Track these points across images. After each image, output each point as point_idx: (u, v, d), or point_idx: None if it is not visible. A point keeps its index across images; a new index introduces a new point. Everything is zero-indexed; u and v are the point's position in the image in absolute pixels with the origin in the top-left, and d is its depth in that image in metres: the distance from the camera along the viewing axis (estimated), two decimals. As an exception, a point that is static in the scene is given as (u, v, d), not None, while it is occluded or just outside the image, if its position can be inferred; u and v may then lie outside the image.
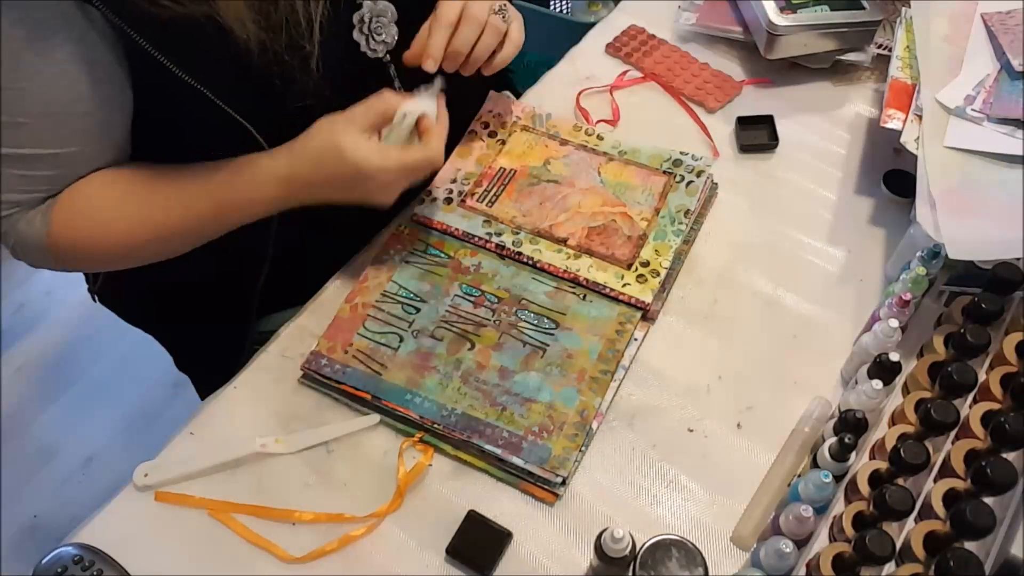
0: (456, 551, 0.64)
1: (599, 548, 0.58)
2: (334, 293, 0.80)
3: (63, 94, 0.63)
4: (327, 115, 0.69)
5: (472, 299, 0.76)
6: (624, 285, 0.75)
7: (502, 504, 0.67)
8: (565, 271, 0.77)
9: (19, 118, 0.63)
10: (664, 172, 0.83)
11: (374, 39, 0.75)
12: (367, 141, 0.68)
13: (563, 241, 0.79)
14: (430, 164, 0.71)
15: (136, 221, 0.71)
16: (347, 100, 0.72)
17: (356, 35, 0.74)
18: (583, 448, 0.69)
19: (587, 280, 0.76)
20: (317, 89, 0.70)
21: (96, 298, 0.96)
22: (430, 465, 0.69)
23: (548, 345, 0.73)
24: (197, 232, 0.72)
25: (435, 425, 0.69)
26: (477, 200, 0.82)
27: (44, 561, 0.63)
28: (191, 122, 0.70)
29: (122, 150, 0.71)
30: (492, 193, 0.83)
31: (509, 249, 0.78)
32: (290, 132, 0.71)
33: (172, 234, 0.72)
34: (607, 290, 0.75)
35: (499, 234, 0.79)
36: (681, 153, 0.85)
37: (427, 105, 0.71)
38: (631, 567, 0.57)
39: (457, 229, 0.80)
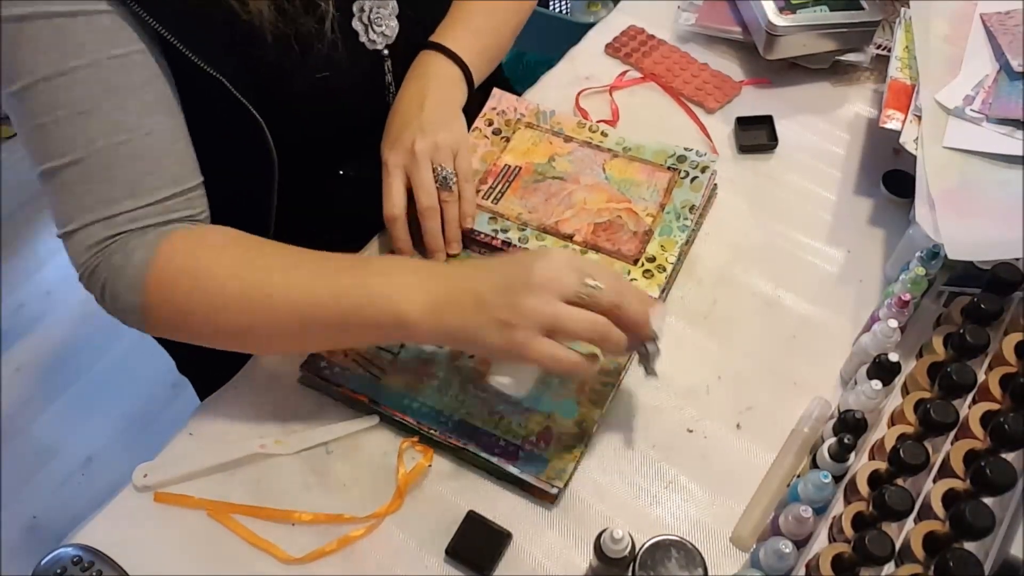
0: (455, 552, 0.64)
1: (598, 548, 0.58)
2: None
3: (118, 65, 0.59)
4: None
5: None
6: (631, 280, 0.75)
7: (502, 505, 0.67)
8: None
9: (81, 106, 0.58)
10: (669, 168, 0.83)
11: (372, 30, 0.75)
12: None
13: (569, 237, 0.79)
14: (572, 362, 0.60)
15: (246, 277, 0.62)
16: (346, 91, 0.72)
17: (355, 23, 0.73)
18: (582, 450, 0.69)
19: None
20: (331, 56, 0.69)
21: None
22: (430, 466, 0.69)
23: None
24: (303, 319, 0.62)
25: (432, 431, 0.69)
26: (483, 197, 0.82)
27: (43, 562, 0.63)
28: (198, 114, 0.68)
29: (193, 155, 0.65)
30: (497, 190, 0.83)
31: (516, 246, 0.78)
32: (292, 125, 0.71)
33: (273, 313, 0.62)
34: None
35: (505, 231, 0.79)
36: (685, 149, 0.85)
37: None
38: (631, 568, 0.57)
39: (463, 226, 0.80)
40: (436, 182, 0.73)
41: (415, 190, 0.74)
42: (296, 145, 0.74)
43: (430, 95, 0.76)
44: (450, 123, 0.76)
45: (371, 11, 0.74)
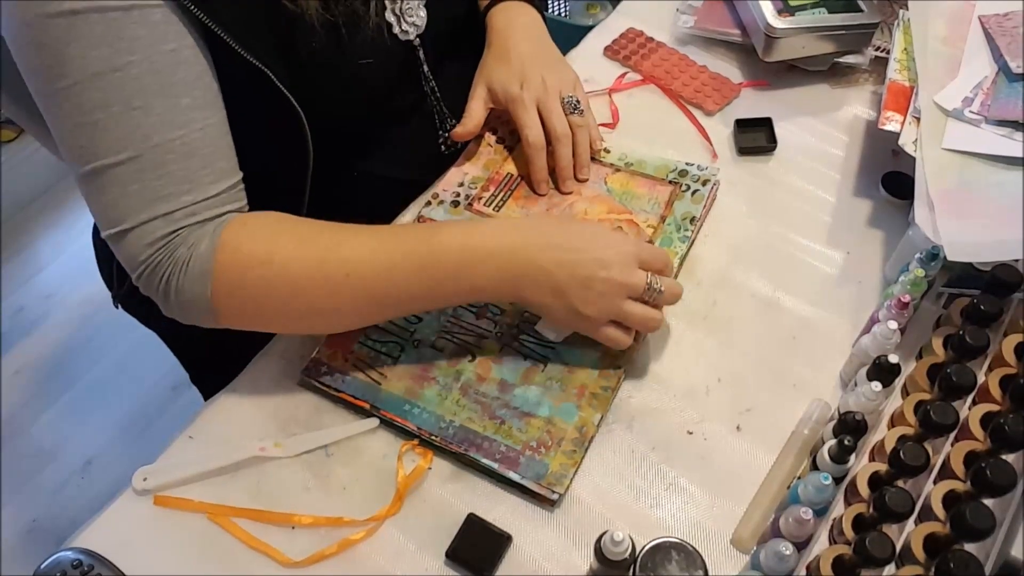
0: (456, 554, 0.64)
1: (599, 551, 0.58)
2: (333, 296, 0.80)
3: (170, 60, 0.59)
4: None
5: (475, 310, 0.76)
6: None
7: (502, 507, 0.67)
8: None
9: (135, 101, 0.58)
10: (670, 182, 0.84)
11: (404, 21, 0.76)
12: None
13: None
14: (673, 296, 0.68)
15: (314, 254, 0.62)
16: (381, 84, 0.74)
17: (389, 15, 0.74)
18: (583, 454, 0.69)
19: None
20: (374, 42, 0.70)
21: (118, 305, 0.95)
22: (429, 468, 0.69)
23: (549, 359, 0.73)
24: (380, 295, 0.64)
25: (432, 437, 0.69)
26: (484, 204, 0.82)
27: (43, 566, 0.63)
28: (238, 104, 0.68)
29: (230, 136, 0.65)
30: (499, 198, 0.83)
31: None
32: (334, 110, 0.71)
33: (355, 286, 0.63)
34: None
35: None
36: (687, 164, 0.85)
37: None
38: (631, 570, 0.57)
39: None
40: (565, 111, 0.80)
41: (548, 119, 0.79)
42: (327, 139, 0.74)
43: (537, 39, 0.84)
44: (562, 61, 0.85)
45: (402, 2, 0.75)
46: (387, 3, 0.74)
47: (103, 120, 0.58)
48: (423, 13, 0.78)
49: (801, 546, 0.60)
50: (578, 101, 0.81)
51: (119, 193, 0.60)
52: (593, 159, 0.86)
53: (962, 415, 0.61)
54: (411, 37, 0.78)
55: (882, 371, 0.64)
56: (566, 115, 0.81)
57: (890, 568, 0.56)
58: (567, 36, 1.09)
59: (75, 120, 0.58)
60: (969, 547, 0.53)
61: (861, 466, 0.62)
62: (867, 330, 0.72)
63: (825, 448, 0.62)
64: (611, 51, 1.01)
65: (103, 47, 0.56)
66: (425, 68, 0.81)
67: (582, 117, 0.81)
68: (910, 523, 0.58)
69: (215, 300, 0.62)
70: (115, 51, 0.56)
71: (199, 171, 0.62)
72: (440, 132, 0.87)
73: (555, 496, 0.66)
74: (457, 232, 0.65)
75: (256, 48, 0.64)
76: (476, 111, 0.82)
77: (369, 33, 0.71)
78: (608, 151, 0.87)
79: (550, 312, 0.67)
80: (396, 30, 0.76)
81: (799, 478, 0.65)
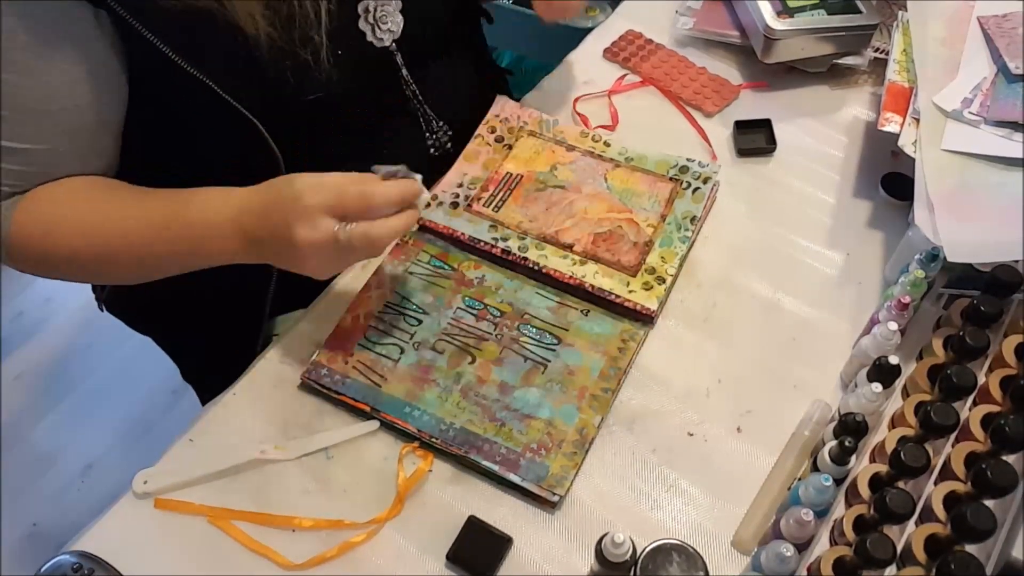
0: (456, 557, 0.64)
1: (600, 553, 0.58)
2: (334, 299, 0.80)
3: (45, 90, 0.63)
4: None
5: (475, 312, 0.76)
6: (630, 292, 0.75)
7: (502, 509, 0.67)
8: (571, 277, 0.77)
9: (2, 111, 0.62)
10: (671, 179, 0.84)
11: (379, 28, 0.76)
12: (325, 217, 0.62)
13: (569, 247, 0.79)
14: (368, 244, 0.64)
15: (82, 237, 0.68)
16: (356, 91, 0.73)
17: (362, 24, 0.74)
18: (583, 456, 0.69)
19: (592, 286, 0.76)
20: (328, 80, 0.71)
21: (103, 307, 0.96)
22: (430, 471, 0.69)
23: (549, 361, 0.73)
24: (142, 262, 0.69)
25: (433, 439, 0.69)
26: (483, 205, 0.82)
27: (43, 569, 0.62)
28: (201, 124, 0.70)
29: (103, 157, 0.70)
30: (499, 198, 0.83)
31: (515, 255, 0.78)
32: (299, 128, 0.72)
33: (116, 258, 0.69)
34: (613, 296, 0.75)
35: (505, 239, 0.79)
36: (688, 160, 0.85)
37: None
38: (632, 572, 0.57)
39: (463, 234, 0.80)
40: None
41: None
42: (307, 150, 0.74)
43: None
44: None
45: (376, 10, 0.75)
46: (359, 12, 0.74)
47: None
48: (399, 19, 0.78)
49: (802, 547, 0.60)
50: None
51: None
52: (593, 153, 0.86)
53: (963, 416, 0.61)
54: (387, 44, 0.78)
55: (882, 372, 0.64)
56: None
57: (891, 569, 0.56)
58: (566, 38, 1.09)
59: None
60: (970, 548, 0.53)
61: (862, 467, 0.62)
62: (867, 331, 0.72)
63: (826, 449, 0.62)
64: (610, 53, 1.01)
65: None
66: (404, 72, 0.81)
67: None
68: (911, 524, 0.58)
69: (14, 265, 0.71)
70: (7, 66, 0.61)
71: (33, 176, 0.67)
72: (427, 134, 0.87)
73: (555, 498, 0.66)
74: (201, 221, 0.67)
75: (215, 70, 0.65)
76: None
77: (323, 71, 0.71)
78: (608, 144, 0.87)
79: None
80: (370, 38, 0.76)
81: (800, 479, 0.65)
